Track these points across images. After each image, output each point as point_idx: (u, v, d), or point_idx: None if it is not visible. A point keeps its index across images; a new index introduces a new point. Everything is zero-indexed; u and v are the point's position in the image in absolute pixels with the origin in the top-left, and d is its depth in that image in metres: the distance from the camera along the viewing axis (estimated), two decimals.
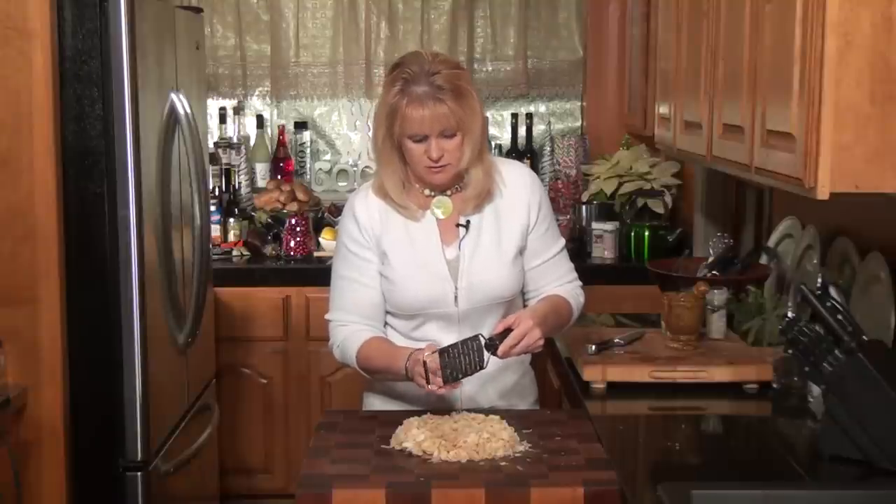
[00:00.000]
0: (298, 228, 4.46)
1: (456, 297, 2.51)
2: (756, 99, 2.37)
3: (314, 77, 5.03)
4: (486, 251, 2.53)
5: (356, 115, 5.11)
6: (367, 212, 2.55)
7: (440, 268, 2.52)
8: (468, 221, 2.53)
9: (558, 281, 2.63)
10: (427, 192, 2.55)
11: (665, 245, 4.39)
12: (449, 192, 2.55)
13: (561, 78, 5.07)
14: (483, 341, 2.32)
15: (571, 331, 2.80)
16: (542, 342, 2.41)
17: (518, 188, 2.58)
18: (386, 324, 2.60)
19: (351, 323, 2.55)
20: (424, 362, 2.30)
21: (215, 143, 4.82)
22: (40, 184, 2.95)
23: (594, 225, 4.51)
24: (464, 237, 2.53)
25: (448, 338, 2.53)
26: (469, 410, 2.45)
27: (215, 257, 4.26)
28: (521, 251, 2.58)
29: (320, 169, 5.09)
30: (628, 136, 4.65)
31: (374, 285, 2.55)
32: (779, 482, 2.10)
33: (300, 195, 4.72)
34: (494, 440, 2.26)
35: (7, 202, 2.94)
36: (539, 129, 5.06)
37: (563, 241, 2.67)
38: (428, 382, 2.30)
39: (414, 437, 2.28)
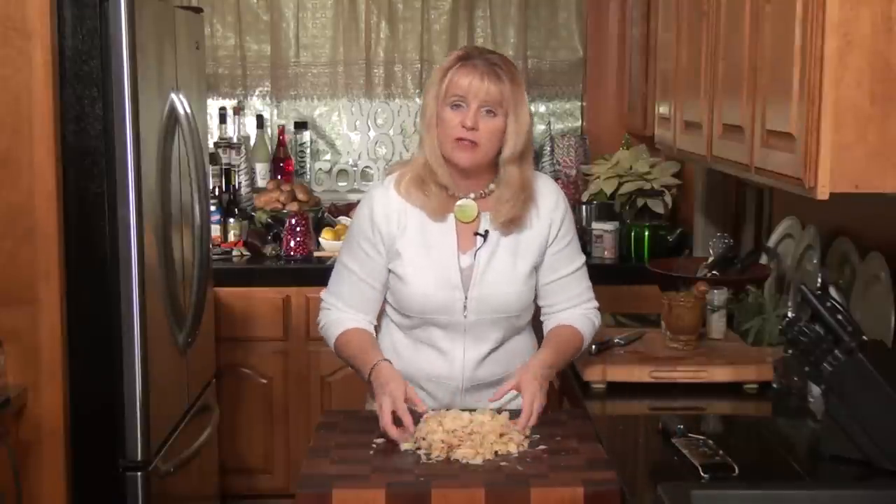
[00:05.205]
0: (298, 228, 4.46)
1: (465, 307, 2.50)
2: (756, 99, 2.37)
3: (314, 77, 5.03)
4: (501, 264, 2.50)
5: (356, 115, 5.10)
6: (384, 209, 2.51)
7: (453, 275, 2.49)
8: (487, 231, 2.50)
9: (574, 300, 2.59)
10: (451, 190, 2.49)
11: (665, 245, 4.38)
12: (473, 196, 2.51)
13: (561, 78, 5.07)
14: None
15: None
16: (544, 401, 2.39)
17: (543, 206, 2.54)
18: (388, 318, 2.60)
19: (336, 309, 2.57)
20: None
21: (215, 143, 4.81)
22: (40, 184, 2.94)
23: (594, 225, 4.50)
24: (481, 246, 2.50)
25: (452, 344, 2.53)
26: (470, 411, 2.43)
27: (215, 257, 4.26)
28: (536, 267, 2.55)
29: (320, 169, 5.09)
30: (628, 136, 4.65)
31: (371, 282, 2.54)
32: (779, 482, 2.10)
33: (300, 195, 4.72)
34: (497, 441, 2.25)
35: (7, 202, 2.94)
36: (539, 129, 5.05)
37: (582, 259, 2.63)
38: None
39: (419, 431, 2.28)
